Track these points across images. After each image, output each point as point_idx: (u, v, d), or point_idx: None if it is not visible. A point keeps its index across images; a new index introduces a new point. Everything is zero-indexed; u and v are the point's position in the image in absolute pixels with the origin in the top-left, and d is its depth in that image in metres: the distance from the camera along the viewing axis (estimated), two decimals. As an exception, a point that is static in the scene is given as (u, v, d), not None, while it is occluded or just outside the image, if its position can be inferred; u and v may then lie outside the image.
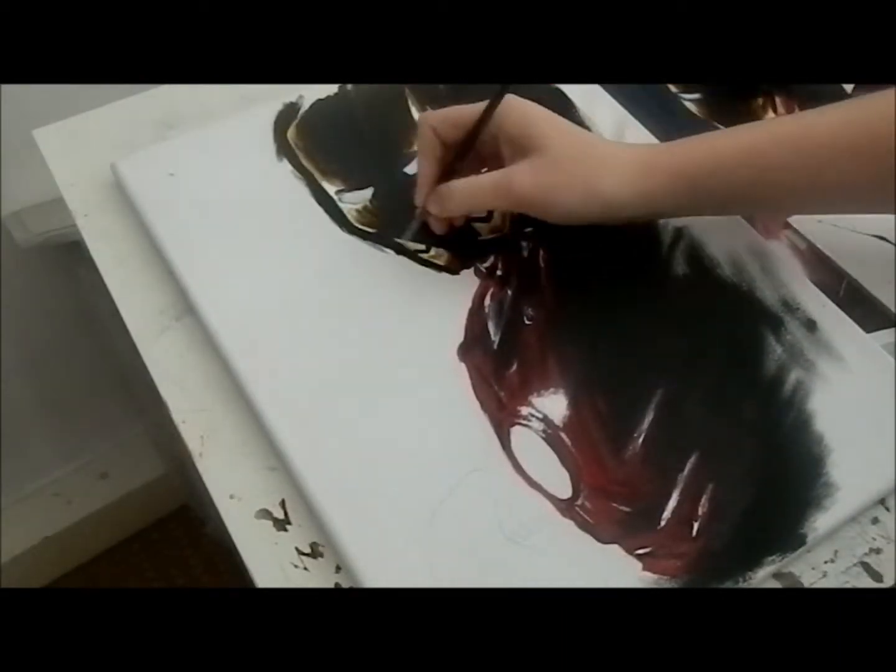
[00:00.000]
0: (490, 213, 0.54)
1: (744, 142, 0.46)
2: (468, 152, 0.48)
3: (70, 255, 0.81)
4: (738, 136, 0.46)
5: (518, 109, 0.47)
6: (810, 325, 0.50)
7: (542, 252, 0.52)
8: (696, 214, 0.51)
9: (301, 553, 0.42)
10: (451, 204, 0.48)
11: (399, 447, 0.44)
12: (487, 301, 0.50)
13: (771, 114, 0.63)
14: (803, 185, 0.45)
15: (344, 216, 0.52)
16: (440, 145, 0.48)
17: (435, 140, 0.48)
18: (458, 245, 0.52)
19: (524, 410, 0.46)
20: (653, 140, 0.57)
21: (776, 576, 0.42)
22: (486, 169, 0.51)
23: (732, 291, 0.51)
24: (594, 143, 0.48)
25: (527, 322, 0.49)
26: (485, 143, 0.48)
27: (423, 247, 0.52)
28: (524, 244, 0.52)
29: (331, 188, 0.54)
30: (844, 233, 0.55)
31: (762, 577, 0.42)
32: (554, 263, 0.52)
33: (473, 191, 0.48)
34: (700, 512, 0.43)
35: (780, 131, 0.46)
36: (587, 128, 0.58)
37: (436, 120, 0.48)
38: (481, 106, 0.47)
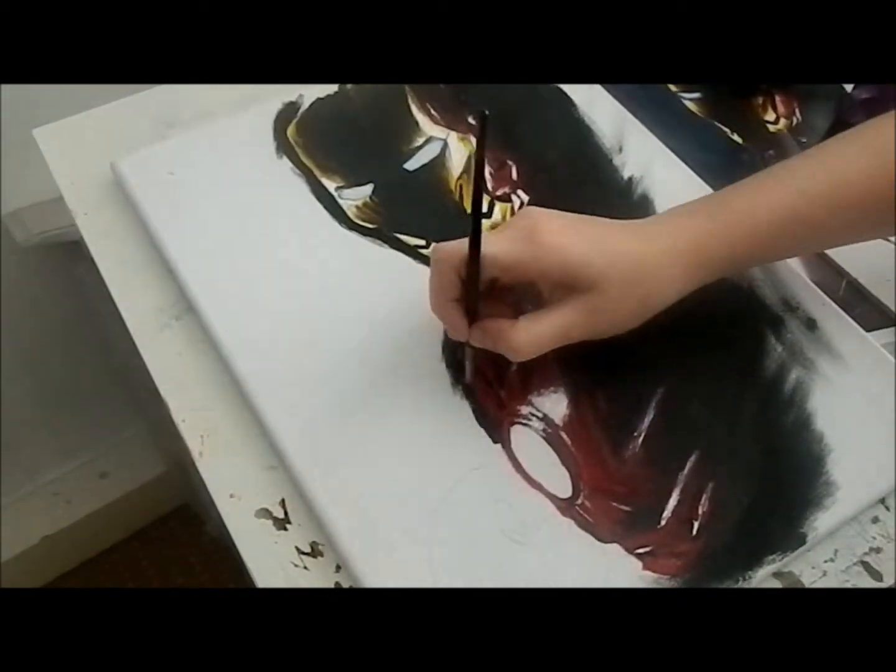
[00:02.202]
0: (490, 209, 0.54)
1: (781, 209, 0.44)
2: (476, 290, 0.43)
3: (70, 254, 0.81)
4: (772, 201, 0.44)
5: (556, 251, 0.42)
6: (810, 325, 0.50)
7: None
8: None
9: (301, 552, 0.42)
10: (510, 348, 0.43)
11: (399, 446, 0.44)
12: (487, 300, 0.50)
13: (771, 113, 0.63)
14: (840, 235, 0.47)
15: (344, 212, 0.52)
16: (460, 282, 0.43)
17: (456, 282, 0.43)
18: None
19: (524, 410, 0.46)
20: (652, 141, 0.57)
21: (776, 575, 0.42)
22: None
23: (732, 291, 0.51)
24: (638, 259, 0.43)
25: (527, 321, 0.49)
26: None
27: (423, 242, 0.52)
28: (524, 243, 0.52)
29: (330, 185, 0.54)
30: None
31: (762, 577, 0.42)
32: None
33: (532, 344, 0.43)
34: (700, 511, 0.43)
35: (813, 192, 0.44)
36: (587, 128, 0.58)
37: (459, 262, 0.42)
38: (502, 238, 0.42)
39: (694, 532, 0.43)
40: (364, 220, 0.52)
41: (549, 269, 0.42)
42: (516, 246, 0.42)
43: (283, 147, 0.55)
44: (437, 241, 0.51)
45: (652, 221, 0.46)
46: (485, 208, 0.54)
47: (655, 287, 0.44)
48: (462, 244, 0.41)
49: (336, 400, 0.45)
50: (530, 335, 0.43)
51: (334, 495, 0.42)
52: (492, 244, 0.41)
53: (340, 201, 0.53)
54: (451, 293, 0.43)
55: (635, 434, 0.45)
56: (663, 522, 0.43)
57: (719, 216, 0.45)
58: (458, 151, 0.56)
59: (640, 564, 0.41)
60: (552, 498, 0.43)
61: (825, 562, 0.43)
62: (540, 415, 0.46)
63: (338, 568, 0.41)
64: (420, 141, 0.56)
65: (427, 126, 0.57)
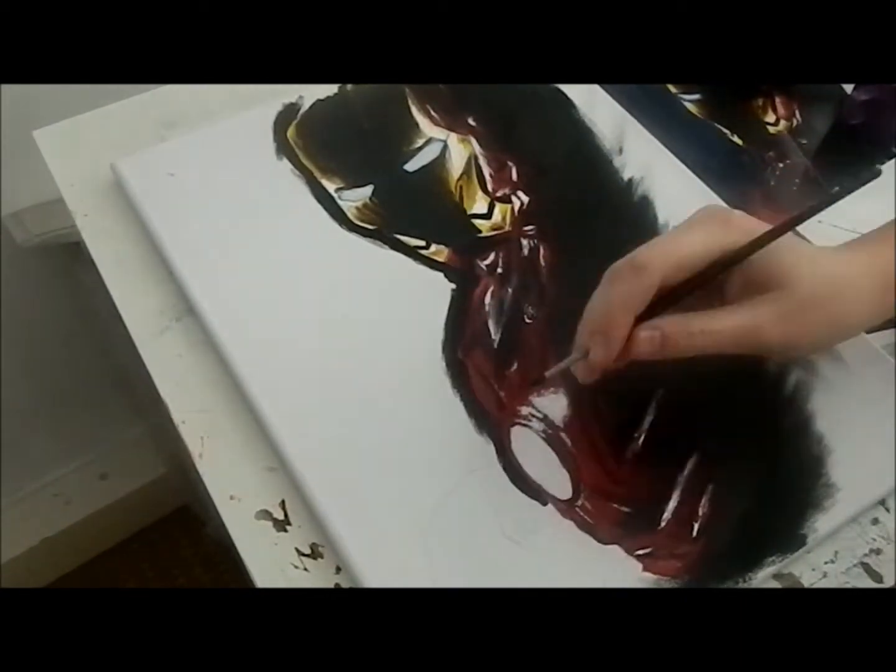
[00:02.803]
0: (490, 210, 0.54)
1: None
2: (687, 295, 0.40)
3: (70, 255, 0.81)
4: None
5: (757, 234, 0.40)
6: (810, 326, 0.50)
7: (542, 250, 0.52)
8: None
9: (301, 553, 0.42)
10: (677, 348, 0.40)
11: (399, 447, 0.44)
12: (488, 299, 0.50)
13: (771, 114, 0.63)
14: None
15: (344, 214, 0.52)
16: (652, 294, 0.40)
17: (656, 289, 0.39)
18: (458, 242, 0.52)
19: (524, 410, 0.46)
20: (652, 142, 0.57)
21: (776, 576, 0.42)
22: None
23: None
24: (835, 271, 0.41)
25: (527, 321, 0.49)
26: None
27: (423, 243, 0.52)
28: (525, 242, 0.52)
29: (330, 186, 0.54)
30: (844, 233, 0.55)
31: (762, 578, 0.42)
32: (555, 262, 0.52)
33: (712, 338, 0.40)
34: (700, 513, 0.43)
35: None
36: (587, 129, 0.58)
37: (670, 268, 0.39)
38: (704, 238, 0.39)
39: (694, 533, 0.43)
40: (364, 222, 0.52)
41: (759, 272, 0.40)
42: (716, 238, 0.39)
43: (283, 148, 0.55)
44: (438, 243, 0.52)
45: (850, 244, 0.44)
46: (484, 209, 0.54)
47: (850, 306, 0.41)
48: (670, 249, 0.39)
49: (336, 401, 0.45)
50: (713, 326, 0.39)
51: (334, 497, 0.42)
52: (689, 236, 0.39)
53: (340, 202, 0.53)
54: (642, 305, 0.39)
55: (635, 435, 0.45)
56: (663, 524, 0.43)
57: None
58: (458, 153, 0.56)
59: (639, 566, 0.41)
60: (552, 499, 0.43)
61: (825, 563, 0.43)
62: (540, 415, 0.46)
63: (338, 569, 0.41)
64: (420, 142, 0.56)
65: (427, 127, 0.57)
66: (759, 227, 0.40)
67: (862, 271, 0.42)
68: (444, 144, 0.56)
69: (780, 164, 0.60)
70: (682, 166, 0.56)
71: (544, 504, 0.43)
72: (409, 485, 0.43)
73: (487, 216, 0.53)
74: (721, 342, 0.40)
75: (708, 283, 0.40)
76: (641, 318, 0.40)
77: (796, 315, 0.40)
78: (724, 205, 0.54)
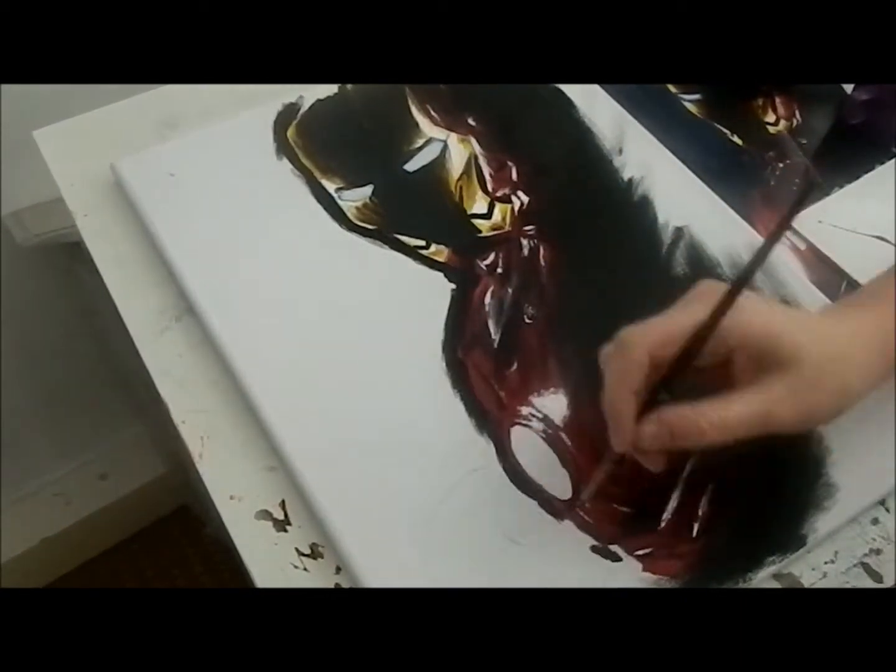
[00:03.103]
0: (490, 210, 0.54)
1: None
2: (684, 371, 0.38)
3: (70, 255, 0.81)
4: None
5: (759, 318, 0.39)
6: (810, 326, 0.50)
7: (542, 250, 0.52)
8: None
9: (301, 554, 0.42)
10: (692, 440, 0.38)
11: (399, 447, 0.44)
12: (488, 299, 0.50)
13: (771, 114, 0.63)
14: None
15: (343, 214, 0.52)
16: (647, 375, 0.39)
17: (646, 367, 0.38)
18: (458, 242, 0.52)
19: (524, 410, 0.46)
20: (652, 142, 0.57)
21: (776, 576, 0.42)
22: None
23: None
24: (840, 341, 0.40)
25: (527, 321, 0.49)
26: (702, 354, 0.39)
27: (422, 243, 0.52)
28: (525, 242, 0.52)
29: (330, 186, 0.54)
30: (844, 233, 0.55)
31: (762, 578, 0.42)
32: (555, 262, 0.52)
33: (723, 431, 0.38)
34: (700, 513, 0.43)
35: None
36: (587, 129, 0.58)
37: (653, 343, 0.38)
38: (695, 313, 0.38)
39: (694, 533, 0.43)
40: (364, 222, 0.52)
41: (750, 336, 0.38)
42: (704, 310, 0.38)
43: (283, 148, 0.55)
44: (438, 242, 0.52)
45: (847, 305, 0.44)
46: (484, 209, 0.54)
47: (856, 372, 0.40)
48: (656, 324, 0.38)
49: (336, 401, 0.45)
50: (723, 418, 0.38)
51: (334, 496, 0.42)
52: (678, 313, 0.38)
53: (340, 202, 0.53)
54: (636, 383, 0.38)
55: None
56: (663, 524, 0.43)
57: None
58: (458, 153, 0.56)
59: (639, 566, 0.41)
60: (552, 499, 0.43)
61: (825, 563, 0.43)
62: (540, 415, 0.46)
63: (338, 569, 0.41)
64: (420, 142, 0.56)
65: (427, 127, 0.57)
66: (765, 310, 0.39)
67: (865, 336, 0.41)
68: (444, 144, 0.56)
69: (780, 164, 0.60)
70: (682, 166, 0.56)
71: (544, 504, 0.43)
72: (409, 485, 0.43)
73: (487, 216, 0.53)
74: (733, 433, 0.38)
75: (695, 356, 0.38)
76: (647, 402, 0.39)
77: (807, 392, 0.39)
78: (732, 211, 0.54)
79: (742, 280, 0.36)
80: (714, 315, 0.37)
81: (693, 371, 0.39)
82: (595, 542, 0.42)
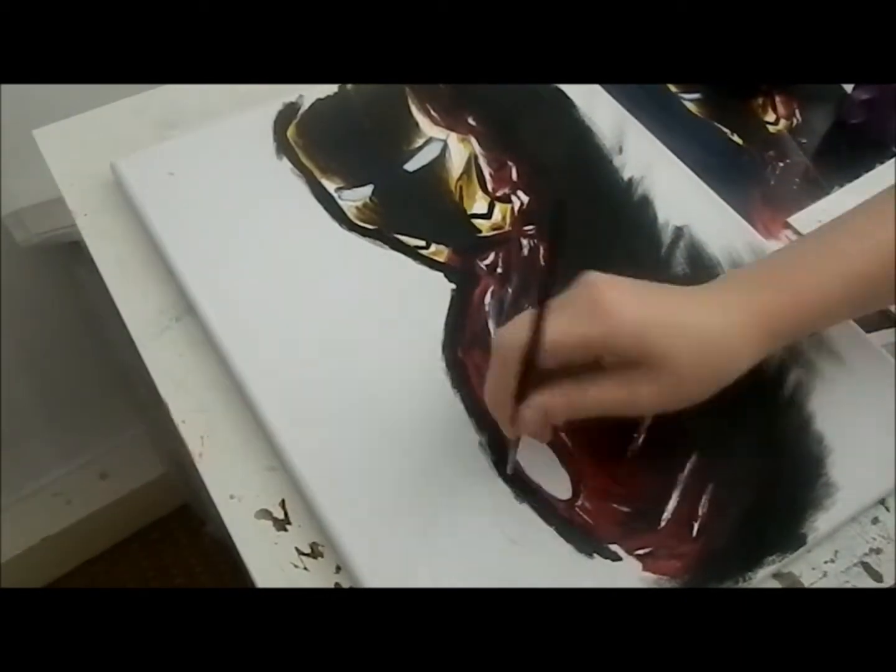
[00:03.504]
0: (491, 210, 0.54)
1: (852, 276, 0.43)
2: (531, 377, 0.39)
3: (70, 255, 0.81)
4: (843, 266, 0.43)
5: (625, 327, 0.39)
6: (810, 325, 0.50)
7: (542, 250, 0.52)
8: None
9: (301, 553, 0.42)
10: (559, 417, 0.41)
11: (399, 447, 0.44)
12: (488, 299, 0.50)
13: (771, 113, 0.63)
14: None
15: (343, 213, 0.52)
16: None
17: (515, 367, 0.39)
18: (458, 242, 0.52)
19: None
20: (652, 142, 0.57)
21: (776, 576, 0.42)
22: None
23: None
24: (709, 333, 0.41)
25: (527, 322, 0.49)
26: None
27: (422, 243, 0.52)
28: (525, 242, 0.52)
29: (330, 186, 0.54)
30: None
31: (762, 577, 0.42)
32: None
33: (590, 409, 0.40)
34: (700, 512, 0.43)
35: (885, 252, 0.43)
36: (587, 128, 0.58)
37: (519, 347, 0.39)
38: (571, 329, 0.39)
39: (694, 533, 0.43)
40: (364, 221, 0.52)
41: (617, 346, 0.39)
42: (580, 326, 0.39)
43: (283, 148, 0.55)
44: (438, 242, 0.52)
45: (716, 290, 0.44)
46: (484, 209, 0.54)
47: (726, 360, 0.41)
48: (520, 327, 0.38)
49: (336, 401, 0.45)
50: (591, 399, 0.40)
51: (334, 496, 0.42)
52: (554, 327, 0.38)
53: (340, 202, 0.53)
54: (507, 383, 0.39)
55: (635, 435, 0.45)
56: (663, 524, 0.43)
57: (787, 288, 0.42)
58: (458, 152, 0.56)
59: (639, 566, 0.41)
60: (552, 499, 0.43)
61: (825, 563, 0.43)
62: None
63: (338, 569, 0.41)
64: (420, 142, 0.56)
65: (427, 127, 0.57)
66: (634, 317, 0.39)
67: (733, 321, 0.41)
68: (444, 144, 0.56)
69: (780, 164, 0.60)
70: (682, 166, 0.56)
71: (544, 504, 0.43)
72: (409, 485, 0.43)
73: (487, 216, 0.53)
74: (600, 411, 0.40)
75: (534, 368, 0.38)
76: (519, 394, 0.40)
77: (676, 388, 0.40)
78: (732, 211, 0.54)
79: (542, 302, 0.36)
80: (533, 338, 0.37)
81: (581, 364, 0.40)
82: (595, 542, 0.42)
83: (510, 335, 0.39)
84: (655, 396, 0.40)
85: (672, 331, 0.40)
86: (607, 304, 0.39)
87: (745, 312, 0.42)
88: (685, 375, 0.40)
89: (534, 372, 0.38)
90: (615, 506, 0.43)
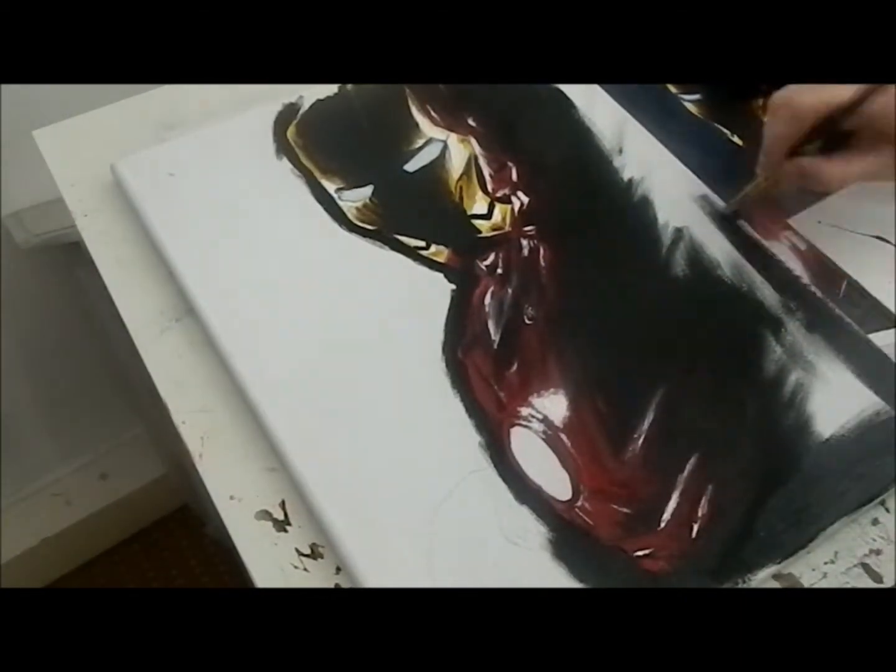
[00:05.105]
0: (490, 210, 0.54)
1: None
2: (823, 134, 0.49)
3: (70, 255, 0.81)
4: None
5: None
6: (810, 326, 0.50)
7: (542, 250, 0.52)
8: None
9: (301, 554, 0.42)
10: (821, 181, 0.50)
11: (399, 447, 0.44)
12: (487, 300, 0.50)
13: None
14: None
15: (344, 214, 0.52)
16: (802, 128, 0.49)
17: (802, 123, 0.48)
18: (458, 243, 0.52)
19: (524, 411, 0.46)
20: (652, 142, 0.57)
21: (776, 576, 0.42)
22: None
23: (732, 292, 0.51)
24: None
25: (527, 321, 0.49)
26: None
27: (423, 244, 0.52)
28: (525, 242, 0.52)
29: (330, 186, 0.54)
30: (844, 233, 0.55)
31: (762, 579, 0.42)
32: (555, 262, 0.52)
33: (843, 179, 0.50)
34: (700, 513, 0.43)
35: None
36: (587, 129, 0.58)
37: (811, 107, 0.48)
38: (851, 90, 0.47)
39: (694, 534, 0.43)
40: (364, 222, 0.52)
41: (879, 117, 0.47)
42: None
43: (283, 148, 0.55)
44: (438, 243, 0.52)
45: None
46: (484, 210, 0.54)
47: None
48: (818, 91, 0.47)
49: (336, 401, 0.45)
50: (843, 171, 0.49)
51: (334, 497, 0.42)
52: (843, 90, 0.47)
53: (340, 203, 0.53)
54: (790, 134, 0.49)
55: (635, 436, 0.45)
56: (663, 524, 0.43)
57: None
58: (458, 153, 0.56)
59: (639, 566, 0.41)
60: (552, 499, 0.43)
61: (825, 564, 0.43)
62: (540, 416, 0.46)
63: (338, 570, 0.41)
64: (420, 142, 0.56)
65: (427, 127, 0.57)
66: None
67: None
68: (444, 144, 0.56)
69: (780, 164, 0.60)
70: (682, 166, 0.56)
71: (544, 505, 0.43)
72: (408, 485, 0.43)
73: (487, 216, 0.53)
74: (847, 184, 0.50)
75: (837, 124, 0.48)
76: (793, 149, 0.50)
77: None
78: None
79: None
80: (860, 96, 0.46)
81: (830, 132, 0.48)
82: (595, 543, 0.42)
83: (795, 96, 0.49)
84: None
85: None
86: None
87: None
88: None
89: (831, 129, 0.48)
90: (615, 506, 0.43)
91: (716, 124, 0.62)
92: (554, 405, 0.46)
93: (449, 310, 0.49)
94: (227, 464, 0.44)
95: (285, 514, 0.43)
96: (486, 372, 0.47)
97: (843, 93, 0.47)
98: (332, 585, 0.41)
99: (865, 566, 0.43)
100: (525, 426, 0.45)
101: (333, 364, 0.46)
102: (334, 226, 0.52)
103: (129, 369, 0.78)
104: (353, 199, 0.53)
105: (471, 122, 0.58)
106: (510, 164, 0.56)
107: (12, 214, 0.81)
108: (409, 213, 0.53)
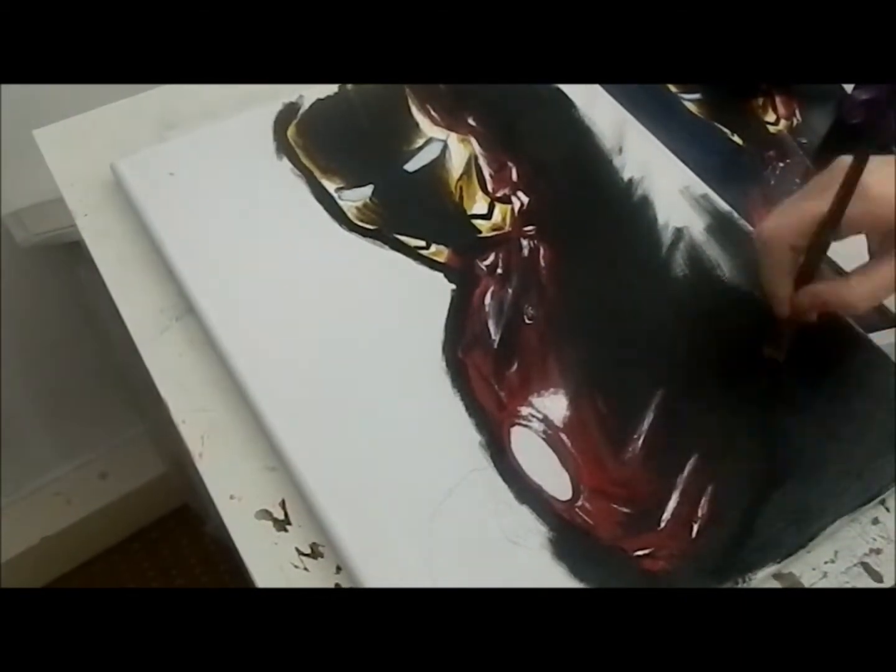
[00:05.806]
0: (491, 210, 0.54)
1: None
2: (820, 256, 0.45)
3: (70, 255, 0.81)
4: None
5: (887, 201, 0.42)
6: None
7: (542, 251, 0.52)
8: None
9: (301, 553, 0.42)
10: (847, 304, 0.45)
11: (399, 447, 0.44)
12: (488, 300, 0.50)
13: (771, 113, 0.63)
14: None
15: (344, 214, 0.52)
16: (795, 257, 0.45)
17: (790, 255, 0.45)
18: (458, 242, 0.52)
19: (524, 410, 0.46)
20: (652, 142, 0.57)
21: (776, 576, 0.42)
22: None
23: (732, 292, 0.51)
24: None
25: (527, 321, 0.49)
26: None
27: (423, 243, 0.52)
28: (525, 242, 0.52)
29: (330, 186, 0.54)
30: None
31: (762, 578, 0.42)
32: (555, 262, 0.52)
33: (872, 294, 0.44)
34: (700, 513, 0.43)
35: None
36: (587, 129, 0.58)
37: (790, 237, 0.45)
38: (822, 201, 0.43)
39: (694, 534, 0.43)
40: (364, 222, 0.52)
41: (880, 219, 0.43)
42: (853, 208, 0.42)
43: (283, 148, 0.55)
44: (438, 243, 0.52)
45: None
46: (484, 210, 0.54)
47: None
48: (789, 219, 0.44)
49: (336, 401, 0.45)
50: (867, 288, 0.44)
51: (334, 496, 0.42)
52: (819, 207, 0.43)
53: (340, 202, 0.53)
54: (788, 268, 0.45)
55: (635, 436, 0.45)
56: (663, 524, 0.43)
57: None
58: (458, 153, 0.56)
59: (639, 566, 0.41)
60: (552, 499, 0.43)
61: (825, 563, 0.43)
62: (540, 416, 0.46)
63: (338, 569, 0.41)
64: (420, 142, 0.56)
65: (427, 127, 0.57)
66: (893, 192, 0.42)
67: None
68: (444, 144, 0.56)
69: (780, 164, 0.60)
70: (682, 166, 0.56)
71: (544, 505, 0.43)
72: (409, 485, 0.43)
73: (487, 216, 0.53)
74: (876, 300, 0.45)
75: (826, 243, 0.44)
76: (798, 280, 0.46)
77: None
78: (732, 211, 0.54)
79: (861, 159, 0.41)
80: (837, 203, 0.42)
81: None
82: (595, 543, 0.42)
83: (773, 226, 0.45)
84: None
85: None
86: (871, 184, 0.42)
87: None
88: None
89: (822, 254, 0.44)
90: (615, 506, 0.43)
91: (716, 124, 0.62)
92: (554, 405, 0.46)
93: (449, 309, 0.49)
94: (227, 463, 0.44)
95: (285, 514, 0.43)
96: (486, 371, 0.47)
97: (804, 217, 0.44)
98: (332, 585, 0.41)
99: (865, 565, 0.43)
100: (525, 426, 0.45)
101: (333, 363, 0.46)
102: (334, 225, 0.52)
103: (129, 368, 0.78)
104: (354, 199, 0.53)
105: (471, 121, 0.58)
106: (510, 163, 0.56)
107: (12, 214, 0.81)
108: (410, 213, 0.53)
